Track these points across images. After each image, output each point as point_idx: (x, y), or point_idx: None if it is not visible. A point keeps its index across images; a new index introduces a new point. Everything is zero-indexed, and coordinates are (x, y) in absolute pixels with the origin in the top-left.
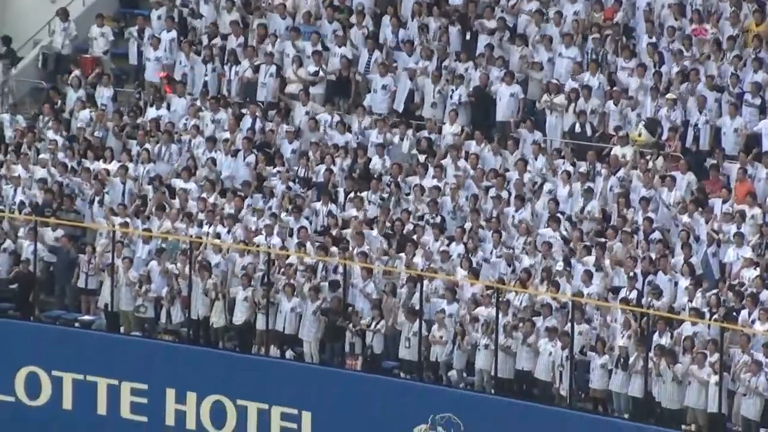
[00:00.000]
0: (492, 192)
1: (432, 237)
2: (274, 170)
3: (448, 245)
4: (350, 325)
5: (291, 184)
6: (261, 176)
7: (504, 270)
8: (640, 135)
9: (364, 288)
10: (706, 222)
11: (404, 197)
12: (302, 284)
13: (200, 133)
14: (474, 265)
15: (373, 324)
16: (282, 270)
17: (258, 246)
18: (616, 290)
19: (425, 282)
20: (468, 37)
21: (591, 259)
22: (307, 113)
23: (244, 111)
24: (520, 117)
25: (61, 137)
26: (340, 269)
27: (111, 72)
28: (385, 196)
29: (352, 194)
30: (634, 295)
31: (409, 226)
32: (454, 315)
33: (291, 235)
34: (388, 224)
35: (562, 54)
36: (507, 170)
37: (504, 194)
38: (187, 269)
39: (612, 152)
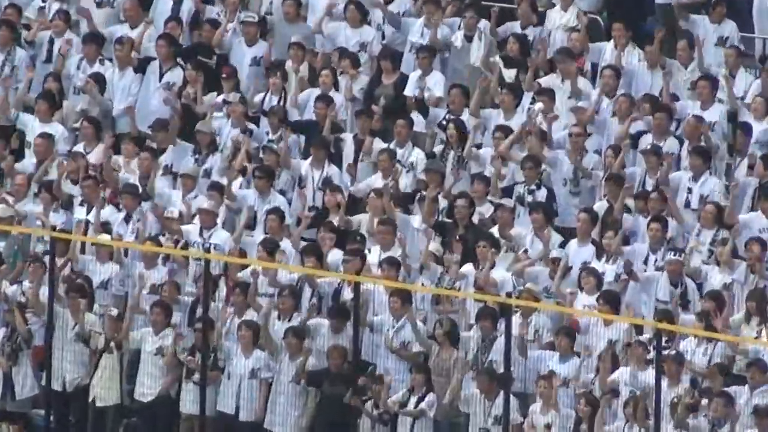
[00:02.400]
0: None
1: (529, 228)
2: (219, 98)
3: (561, 244)
4: (367, 404)
5: (250, 126)
6: (189, 110)
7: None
8: None
9: (394, 331)
10: None
11: (473, 153)
12: (269, 322)
13: None
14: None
15: (412, 401)
16: (232, 294)
17: (186, 247)
18: None
19: (516, 318)
20: None
21: None
22: None
23: None
24: None
25: None
26: (347, 293)
27: None
28: (437, 150)
29: (370, 144)
30: None
31: (483, 209)
32: (577, 382)
33: (251, 226)
34: (441, 205)
35: None
36: None
37: None
38: (43, 293)
39: None
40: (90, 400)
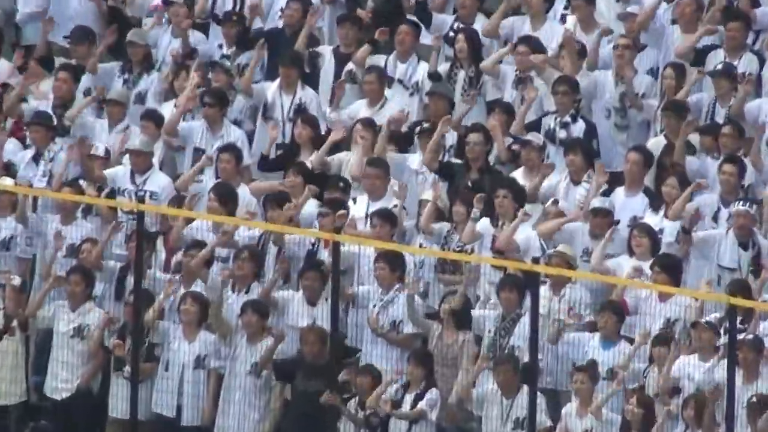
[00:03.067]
0: None
1: (563, 173)
2: None
3: (605, 194)
4: (350, 403)
5: (197, 35)
6: (117, 15)
7: None
8: None
9: (381, 306)
10: None
11: (489, 71)
12: (221, 294)
13: None
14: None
15: (408, 399)
16: (173, 258)
17: (114, 195)
18: None
19: (545, 291)
20: None
21: None
22: None
23: None
24: None
25: None
26: (324, 257)
27: None
28: (442, 69)
29: (363, 57)
30: None
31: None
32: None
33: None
34: (448, 141)
35: None
36: None
37: None
38: None
39: None
40: None
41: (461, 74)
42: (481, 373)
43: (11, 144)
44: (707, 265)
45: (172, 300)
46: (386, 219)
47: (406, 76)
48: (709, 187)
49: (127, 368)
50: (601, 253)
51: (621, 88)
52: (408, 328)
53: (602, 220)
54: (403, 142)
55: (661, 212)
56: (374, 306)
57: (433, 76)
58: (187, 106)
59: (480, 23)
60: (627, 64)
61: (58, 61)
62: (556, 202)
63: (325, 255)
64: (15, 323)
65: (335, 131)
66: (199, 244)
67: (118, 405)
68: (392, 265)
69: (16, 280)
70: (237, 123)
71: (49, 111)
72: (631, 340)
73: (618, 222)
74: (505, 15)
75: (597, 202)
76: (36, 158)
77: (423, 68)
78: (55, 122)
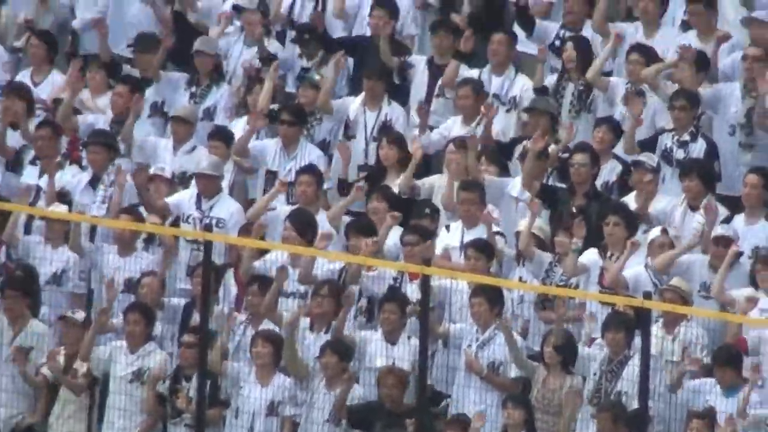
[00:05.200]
0: None
1: (680, 198)
2: (226, 2)
3: (726, 220)
4: None
5: (273, 44)
6: (183, 21)
7: None
8: None
9: (478, 345)
10: None
11: (600, 84)
12: (296, 334)
13: None
14: None
15: None
16: (245, 294)
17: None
18: None
19: (658, 329)
20: None
21: None
22: None
23: None
24: None
25: None
26: (410, 291)
27: None
28: (549, 82)
29: (453, 72)
30: None
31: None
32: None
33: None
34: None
35: None
36: None
37: None
38: None
39: None
40: None
41: (569, 87)
42: (586, 421)
43: (69, 169)
44: None
45: (240, 340)
46: (482, 250)
47: (502, 91)
48: None
49: (186, 416)
50: (720, 284)
51: (749, 103)
52: (510, 371)
53: (724, 250)
54: (503, 163)
55: None
56: (469, 346)
57: (540, 90)
58: (257, 124)
59: (589, 31)
60: (760, 77)
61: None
62: (665, 231)
63: (409, 290)
64: (79, 367)
65: (414, 150)
66: (267, 280)
67: None
68: (491, 300)
69: (79, 315)
70: (324, 145)
71: (106, 128)
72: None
73: (742, 253)
74: (611, 18)
75: (719, 230)
76: (93, 182)
77: (521, 81)
78: (113, 141)
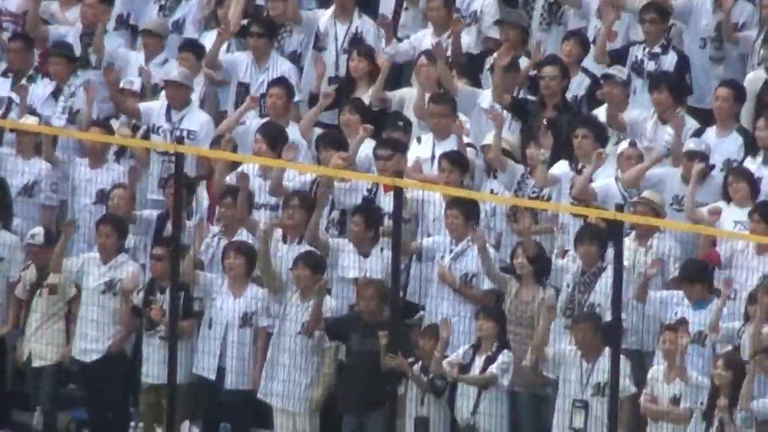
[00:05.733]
0: None
1: (650, 110)
2: None
3: (697, 133)
4: (414, 367)
5: None
6: None
7: None
8: None
9: (452, 258)
10: None
11: None
12: (269, 245)
13: None
14: None
15: (478, 362)
16: (218, 206)
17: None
18: None
19: (630, 242)
20: None
21: None
22: None
23: None
24: None
25: None
26: (385, 204)
27: None
28: None
29: None
30: None
31: (581, 80)
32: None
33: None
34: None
35: None
36: None
37: None
38: None
39: None
40: (24, 357)
41: (539, 0)
42: (559, 333)
43: (41, 82)
44: None
45: (213, 252)
46: (456, 162)
47: (463, 5)
48: None
49: (161, 328)
50: (691, 200)
51: (719, 16)
52: (483, 283)
53: (702, 169)
54: (474, 76)
55: (759, 158)
56: (442, 258)
57: (509, 2)
58: (224, 36)
59: None
60: None
61: None
62: (634, 144)
63: (384, 202)
64: (50, 279)
65: (382, 62)
66: (236, 190)
67: (151, 369)
68: (466, 213)
69: (38, 236)
70: (295, 57)
71: (75, 40)
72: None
73: (713, 167)
74: None
75: (691, 144)
76: (55, 94)
77: None
78: (79, 53)
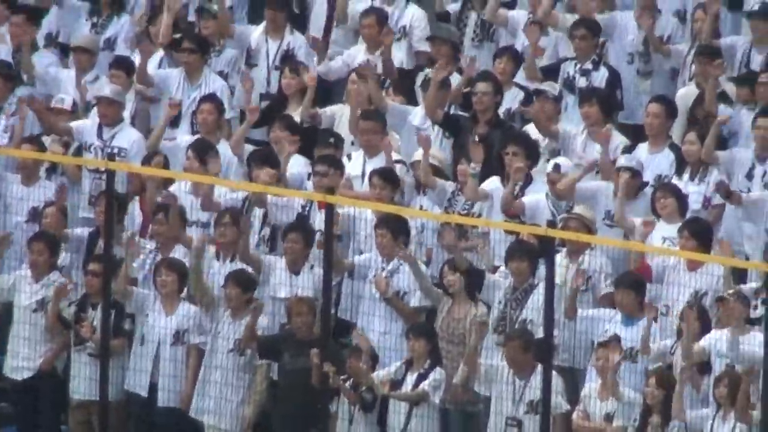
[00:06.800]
0: None
1: (580, 126)
2: None
3: (627, 149)
4: (347, 384)
5: None
6: None
7: None
8: None
9: (385, 275)
10: None
11: (500, 16)
12: (202, 262)
13: None
14: None
15: (410, 379)
16: (152, 223)
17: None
18: None
19: (561, 258)
20: None
21: None
22: None
23: None
24: None
25: None
26: (317, 221)
27: None
28: (453, 9)
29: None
30: None
31: (513, 96)
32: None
33: (175, 123)
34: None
35: None
36: None
37: None
38: None
39: None
40: None
41: (472, 16)
42: (491, 350)
43: None
44: (755, 230)
45: (147, 269)
46: (387, 179)
47: (392, 21)
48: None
49: (90, 344)
50: (621, 209)
51: (646, 31)
52: (413, 301)
53: (630, 180)
54: (409, 92)
55: (686, 175)
56: (379, 272)
57: (441, 16)
58: (147, 50)
59: None
60: (650, 5)
61: None
62: (557, 168)
63: (317, 220)
64: None
65: (308, 80)
66: (168, 207)
67: (80, 386)
68: (395, 231)
69: None
70: (223, 76)
71: (7, 58)
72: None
73: (646, 184)
74: None
75: (623, 160)
76: None
77: (411, 10)
78: (12, 70)
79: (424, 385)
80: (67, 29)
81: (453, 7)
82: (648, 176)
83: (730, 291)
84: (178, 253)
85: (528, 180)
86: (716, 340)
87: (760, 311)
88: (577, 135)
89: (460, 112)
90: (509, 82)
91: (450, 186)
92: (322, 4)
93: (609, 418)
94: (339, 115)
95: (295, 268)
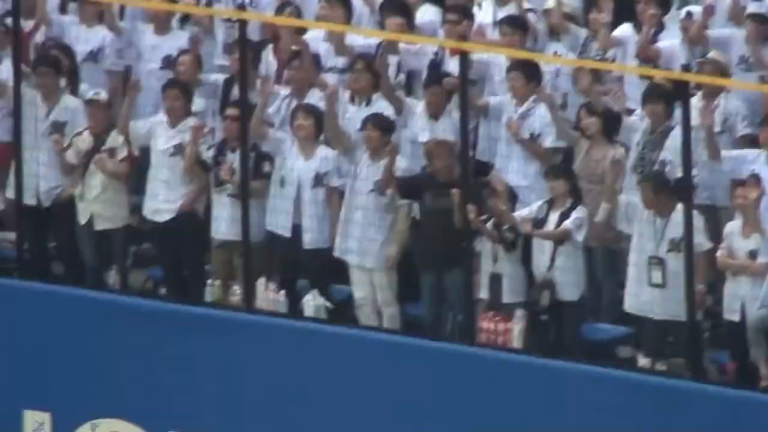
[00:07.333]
0: None
1: None
2: None
3: None
4: (487, 225)
5: None
6: None
7: None
8: None
9: (518, 117)
10: None
11: None
12: (336, 106)
13: None
14: None
15: (552, 218)
16: (287, 68)
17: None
18: None
19: (697, 101)
20: None
21: None
22: None
23: None
24: None
25: None
26: (450, 67)
27: None
28: None
29: None
30: None
31: None
32: None
33: None
34: None
35: None
36: None
37: None
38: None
39: None
40: (85, 220)
41: None
42: (631, 190)
43: None
44: None
45: (283, 114)
46: (517, 25)
47: None
48: None
49: (230, 186)
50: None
51: None
52: (548, 142)
53: (760, 26)
54: None
55: None
56: (510, 116)
57: None
58: None
59: None
60: None
61: None
62: (689, 15)
63: (450, 66)
64: (109, 143)
65: None
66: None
67: (222, 226)
68: (527, 74)
69: (102, 95)
70: None
71: None
72: None
73: None
74: None
75: (753, 7)
76: None
77: None
78: None
79: (567, 223)
80: None
81: None
82: None
83: None
84: (313, 99)
85: (660, 27)
86: None
87: None
88: None
89: None
90: None
91: (583, 32)
92: None
93: (752, 255)
94: None
95: (435, 115)
